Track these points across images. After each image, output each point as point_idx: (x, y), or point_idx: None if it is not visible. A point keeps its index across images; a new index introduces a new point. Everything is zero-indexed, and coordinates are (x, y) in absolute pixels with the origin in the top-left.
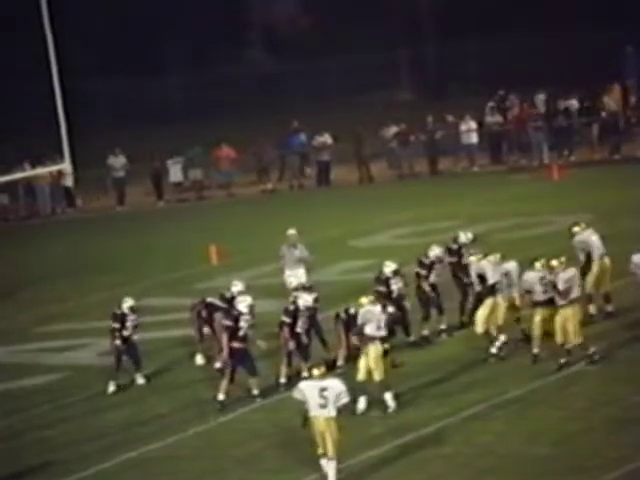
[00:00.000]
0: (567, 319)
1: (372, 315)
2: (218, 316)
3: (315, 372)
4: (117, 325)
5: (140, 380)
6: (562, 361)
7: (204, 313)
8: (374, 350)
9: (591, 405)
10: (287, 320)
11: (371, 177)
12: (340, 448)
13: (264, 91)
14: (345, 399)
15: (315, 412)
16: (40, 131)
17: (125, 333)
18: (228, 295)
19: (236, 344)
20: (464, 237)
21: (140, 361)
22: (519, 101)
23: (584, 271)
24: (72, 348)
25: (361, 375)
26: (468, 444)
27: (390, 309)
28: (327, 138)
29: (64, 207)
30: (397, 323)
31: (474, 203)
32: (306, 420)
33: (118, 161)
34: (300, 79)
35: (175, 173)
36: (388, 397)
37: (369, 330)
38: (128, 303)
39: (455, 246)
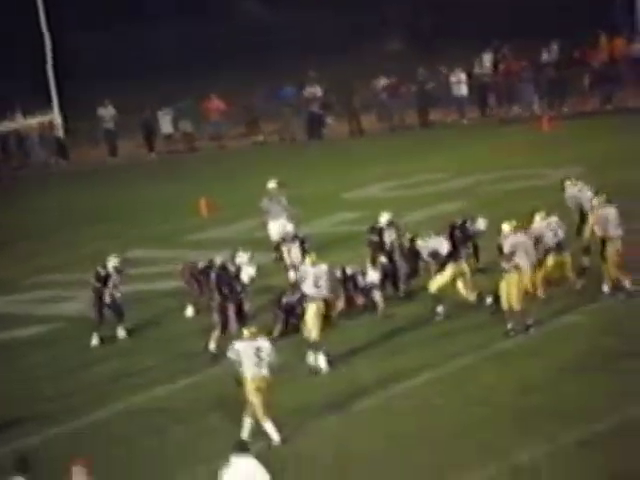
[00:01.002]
0: (510, 285)
1: (306, 274)
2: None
3: (245, 333)
4: (99, 285)
5: (121, 333)
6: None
7: (201, 277)
8: (310, 309)
9: (581, 356)
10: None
11: (362, 129)
12: (271, 407)
13: (255, 42)
14: (274, 358)
15: (252, 372)
16: (29, 82)
17: (107, 291)
18: (233, 269)
19: (230, 301)
20: (483, 224)
21: (122, 314)
22: (510, 52)
23: (579, 229)
24: (64, 299)
25: (314, 335)
26: (458, 395)
27: (382, 259)
28: (317, 90)
29: (56, 159)
30: (388, 276)
31: (465, 155)
32: (240, 380)
33: (107, 112)
34: (292, 30)
35: (165, 125)
36: (320, 358)
37: (305, 289)
38: (113, 262)
39: (471, 229)
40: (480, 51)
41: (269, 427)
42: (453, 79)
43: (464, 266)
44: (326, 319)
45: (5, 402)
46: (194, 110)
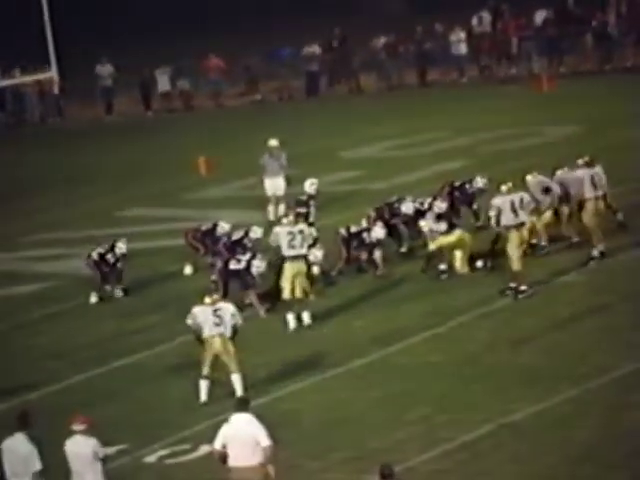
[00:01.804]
0: (511, 244)
1: (277, 236)
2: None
3: (207, 300)
4: (107, 269)
5: (118, 293)
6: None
7: (207, 240)
8: (287, 269)
9: (578, 314)
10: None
11: (360, 88)
12: (240, 363)
13: (255, 2)
14: (239, 320)
15: (210, 332)
16: (27, 39)
17: (106, 270)
18: (249, 244)
19: (232, 265)
20: (481, 182)
21: (121, 275)
22: (509, 11)
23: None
24: (62, 257)
25: (285, 294)
26: (455, 353)
27: (380, 225)
28: (316, 49)
29: (53, 116)
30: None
31: (463, 114)
32: (201, 341)
33: (105, 70)
34: None
35: (163, 83)
36: (305, 316)
37: (282, 250)
38: (122, 250)
39: (470, 190)
40: (479, 9)
41: (236, 380)
42: (453, 38)
43: (468, 237)
44: (309, 279)
45: (5, 359)
46: (193, 68)
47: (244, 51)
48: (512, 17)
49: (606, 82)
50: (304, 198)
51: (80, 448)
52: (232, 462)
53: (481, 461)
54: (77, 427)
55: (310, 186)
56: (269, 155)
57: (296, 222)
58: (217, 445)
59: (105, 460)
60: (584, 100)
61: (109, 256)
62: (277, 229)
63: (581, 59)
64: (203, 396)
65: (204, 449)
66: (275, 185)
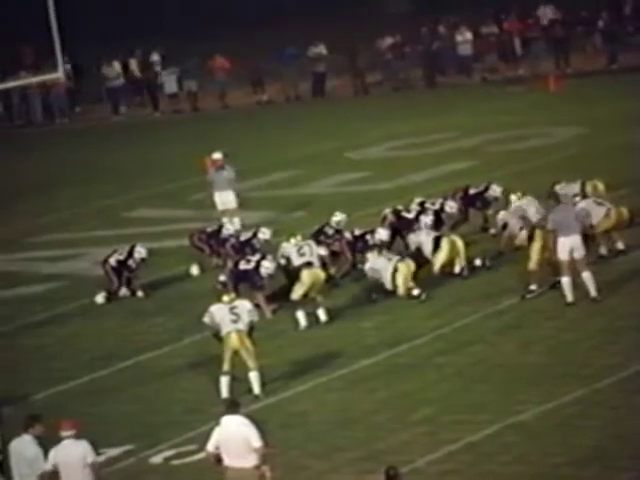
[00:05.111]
0: (534, 244)
1: (285, 250)
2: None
3: (225, 298)
4: (130, 274)
5: (140, 294)
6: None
7: (212, 242)
8: (306, 276)
9: (584, 315)
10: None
11: (366, 89)
12: (258, 359)
13: (259, 3)
14: (255, 317)
15: (228, 328)
16: (34, 40)
17: (129, 275)
18: (257, 245)
19: (242, 265)
20: (498, 191)
21: (138, 277)
22: (515, 11)
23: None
24: (68, 257)
25: (294, 296)
26: (461, 353)
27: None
28: (322, 49)
29: (60, 116)
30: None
31: (470, 115)
32: (219, 339)
33: (112, 70)
34: None
35: (170, 84)
36: (321, 312)
37: (294, 262)
38: (142, 254)
39: (490, 197)
40: (482, 10)
41: (254, 377)
42: (459, 38)
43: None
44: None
45: (12, 359)
46: (199, 69)
47: (250, 51)
48: (518, 17)
49: (613, 82)
50: (330, 232)
51: (70, 454)
52: (227, 463)
53: (486, 462)
54: (66, 433)
55: (335, 220)
56: (215, 169)
57: (303, 239)
58: (210, 447)
59: (96, 464)
60: (591, 100)
61: (130, 262)
62: (284, 244)
63: (588, 59)
64: (224, 392)
65: None
66: (224, 199)
